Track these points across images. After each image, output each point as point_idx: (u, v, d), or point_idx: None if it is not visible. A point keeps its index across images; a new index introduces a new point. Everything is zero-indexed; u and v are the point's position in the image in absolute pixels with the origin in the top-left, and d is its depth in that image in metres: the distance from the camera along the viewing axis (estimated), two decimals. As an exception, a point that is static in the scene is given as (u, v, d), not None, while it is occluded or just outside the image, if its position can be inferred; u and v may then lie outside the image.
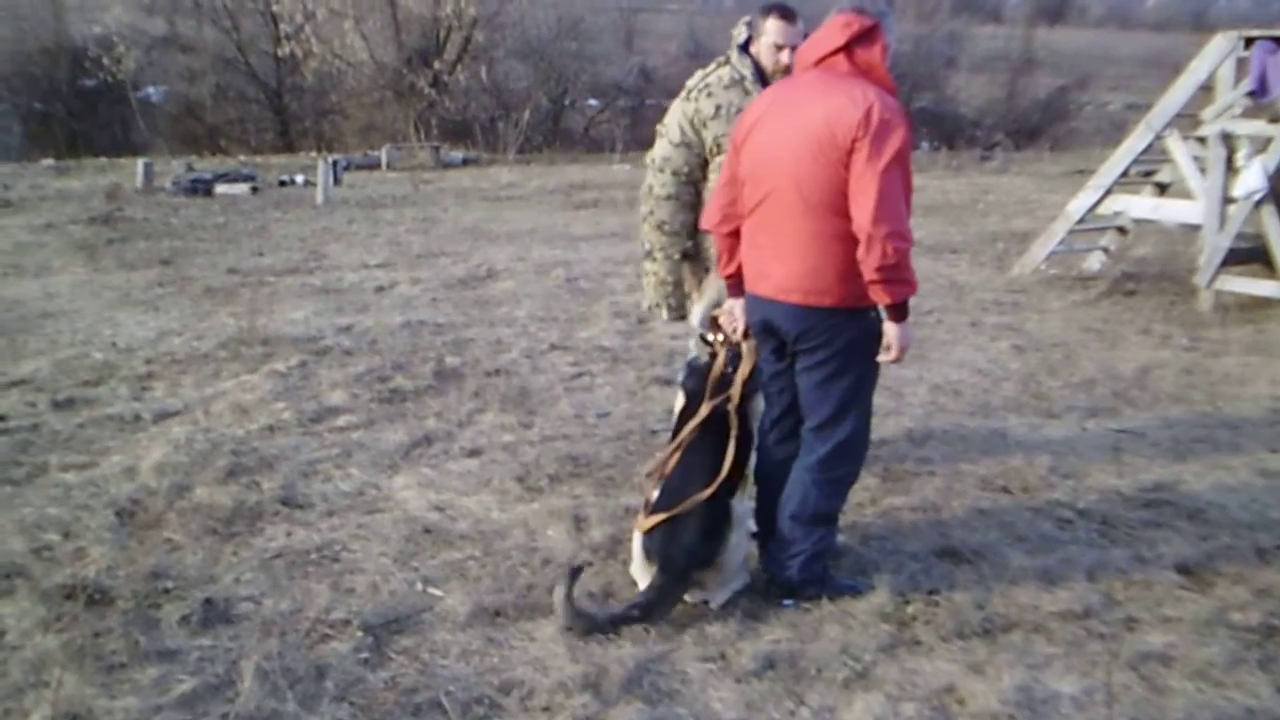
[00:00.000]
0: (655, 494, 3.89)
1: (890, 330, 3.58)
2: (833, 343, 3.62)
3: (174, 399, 6.00)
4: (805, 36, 4.10)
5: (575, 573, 3.68)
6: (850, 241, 3.46)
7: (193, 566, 4.05)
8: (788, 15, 4.32)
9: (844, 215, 3.46)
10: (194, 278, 9.59)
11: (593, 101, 32.55)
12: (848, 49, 3.53)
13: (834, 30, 3.57)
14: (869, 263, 3.41)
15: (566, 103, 31.56)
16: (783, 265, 3.63)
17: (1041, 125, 33.06)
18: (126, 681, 3.30)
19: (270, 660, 3.38)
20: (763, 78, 4.38)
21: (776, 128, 3.61)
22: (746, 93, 4.37)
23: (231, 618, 3.70)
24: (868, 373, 3.74)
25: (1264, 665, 3.47)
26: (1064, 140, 31.77)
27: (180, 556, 4.13)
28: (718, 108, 4.40)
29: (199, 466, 4.99)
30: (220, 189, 16.45)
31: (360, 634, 3.58)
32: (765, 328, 3.80)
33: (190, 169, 18.71)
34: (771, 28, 4.33)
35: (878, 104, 3.41)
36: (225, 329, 7.47)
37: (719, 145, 4.38)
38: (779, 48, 4.32)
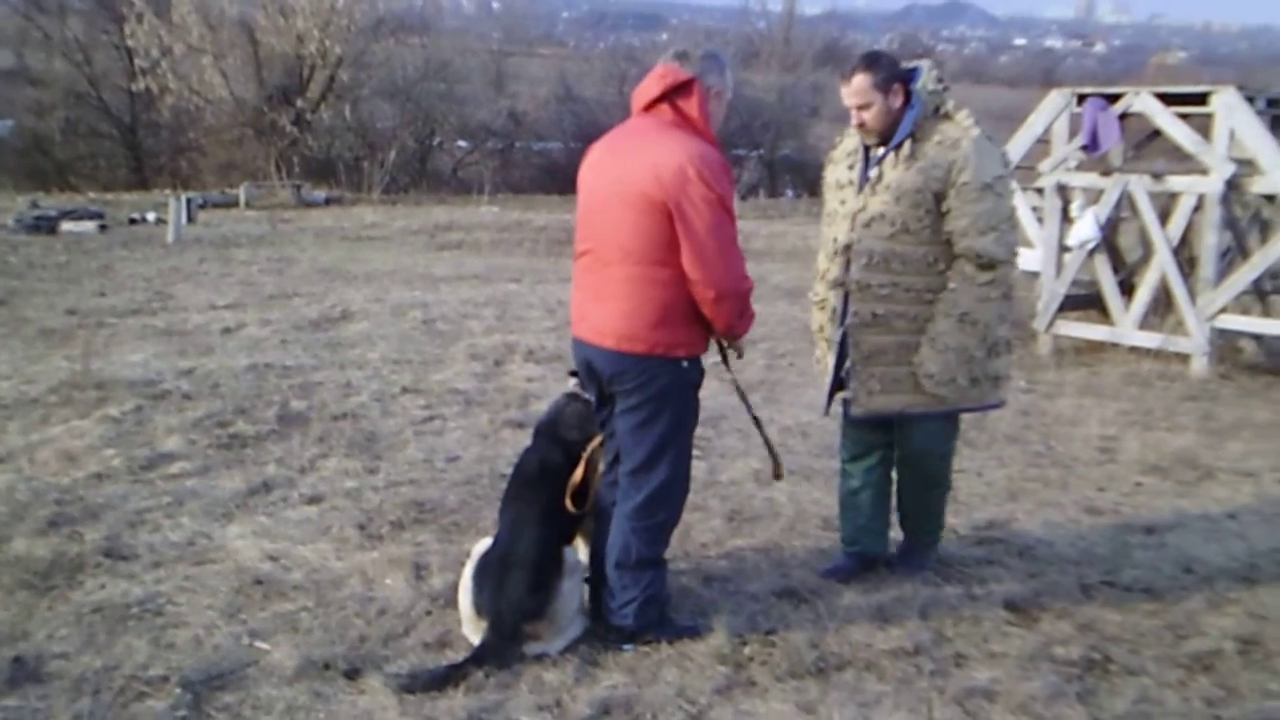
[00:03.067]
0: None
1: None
2: (645, 388, 3.65)
3: (-4, 446, 5.70)
4: (882, 87, 4.01)
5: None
6: (666, 289, 3.55)
7: (3, 623, 3.83)
8: (848, 73, 4.11)
9: (661, 264, 3.53)
10: (29, 319, 9.17)
11: (462, 143, 32.44)
12: (670, 100, 3.61)
13: (653, 80, 3.66)
14: (715, 321, 3.62)
15: (434, 143, 31.42)
16: (599, 309, 3.68)
17: (899, 174, 34.10)
18: (-83, 749, 3.10)
19: (80, 721, 3.21)
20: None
21: (604, 175, 3.68)
22: (849, 153, 4.28)
23: (41, 676, 3.51)
24: (683, 421, 3.75)
25: (1082, 698, 3.57)
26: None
27: (-11, 613, 3.91)
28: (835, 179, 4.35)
29: (18, 517, 4.75)
30: (65, 227, 15.86)
31: (179, 691, 3.42)
32: (587, 369, 3.82)
33: (35, 206, 17.99)
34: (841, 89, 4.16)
35: (694, 159, 3.47)
36: (58, 372, 7.14)
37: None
38: (850, 108, 4.11)
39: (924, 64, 4.18)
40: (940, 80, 4.15)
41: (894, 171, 4.06)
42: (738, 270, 3.57)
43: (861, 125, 4.09)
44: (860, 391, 4.21)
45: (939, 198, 4.00)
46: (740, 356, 3.97)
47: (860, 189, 4.16)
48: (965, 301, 4.02)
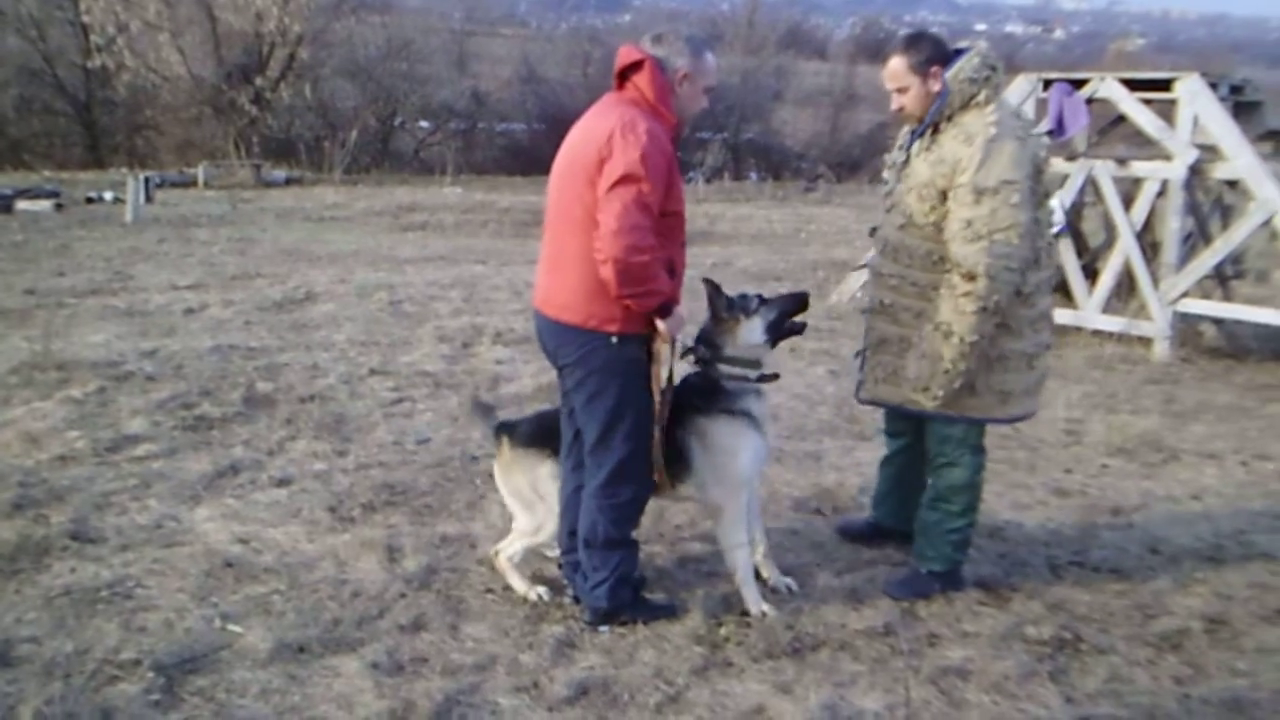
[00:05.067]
0: None
1: (657, 323, 3.61)
2: (586, 362, 3.65)
3: (-45, 428, 5.59)
4: (920, 70, 3.85)
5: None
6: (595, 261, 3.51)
7: (-32, 608, 3.77)
8: (887, 54, 3.97)
9: (591, 234, 3.51)
10: (-15, 298, 9.00)
11: (424, 123, 32.14)
12: (630, 78, 3.64)
13: (616, 61, 3.71)
14: (609, 283, 3.47)
15: (396, 123, 31.12)
16: (549, 279, 3.73)
17: (862, 158, 34.25)
18: (-117, 736, 3.04)
19: (51, 705, 3.18)
20: None
21: (563, 149, 3.74)
22: (903, 134, 4.14)
23: (10, 660, 3.47)
24: (632, 396, 3.69)
25: (1054, 677, 3.62)
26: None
27: (-46, 597, 3.84)
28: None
29: (-20, 500, 4.66)
30: (21, 205, 15.60)
31: (151, 674, 3.39)
32: (540, 341, 3.86)
33: (-12, 184, 17.68)
34: None
35: (624, 127, 3.46)
36: (18, 353, 7.03)
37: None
38: (889, 91, 3.98)
39: (977, 46, 3.92)
40: (990, 67, 3.85)
41: (916, 160, 3.95)
42: (634, 239, 3.38)
43: (900, 109, 3.96)
44: (869, 377, 4.24)
45: (944, 195, 3.81)
46: (674, 353, 3.74)
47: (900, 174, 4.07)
48: (945, 309, 3.83)
